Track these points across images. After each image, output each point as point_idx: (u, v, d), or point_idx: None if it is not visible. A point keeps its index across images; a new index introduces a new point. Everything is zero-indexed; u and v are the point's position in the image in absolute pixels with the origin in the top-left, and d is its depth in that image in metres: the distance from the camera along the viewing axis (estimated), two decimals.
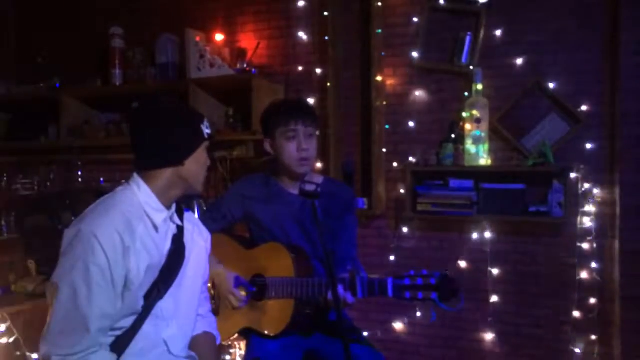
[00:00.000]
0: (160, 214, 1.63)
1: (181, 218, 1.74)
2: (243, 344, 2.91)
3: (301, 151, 2.09)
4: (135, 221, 1.56)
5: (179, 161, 1.62)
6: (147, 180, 1.62)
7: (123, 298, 1.53)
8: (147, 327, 1.59)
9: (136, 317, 1.57)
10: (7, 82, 3.98)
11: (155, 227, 1.61)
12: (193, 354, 1.76)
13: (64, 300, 1.46)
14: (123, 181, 1.67)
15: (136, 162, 1.64)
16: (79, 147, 3.60)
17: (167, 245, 1.65)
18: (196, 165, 1.65)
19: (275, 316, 2.04)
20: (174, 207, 1.70)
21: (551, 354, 2.89)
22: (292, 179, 2.18)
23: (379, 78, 3.14)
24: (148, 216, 1.60)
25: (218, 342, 1.91)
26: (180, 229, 1.72)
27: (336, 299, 1.65)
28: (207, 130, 1.67)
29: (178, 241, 1.69)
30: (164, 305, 1.63)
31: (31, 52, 4.02)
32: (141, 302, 1.57)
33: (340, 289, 1.79)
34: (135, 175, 1.64)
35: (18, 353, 2.74)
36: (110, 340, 1.55)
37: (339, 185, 2.36)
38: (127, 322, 1.56)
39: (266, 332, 2.05)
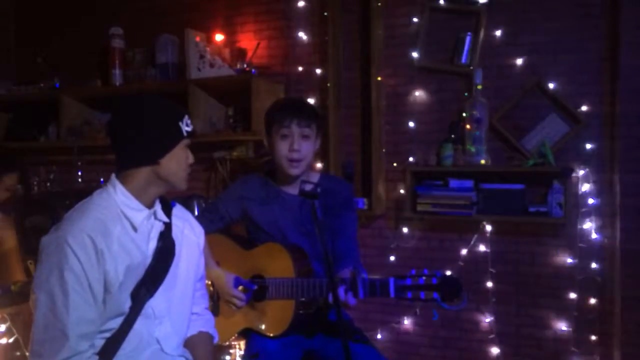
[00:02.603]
0: (140, 214, 1.61)
1: (169, 214, 1.72)
2: (242, 344, 2.91)
3: (292, 151, 2.07)
4: (111, 223, 1.54)
5: (154, 160, 1.59)
6: (124, 181, 1.61)
7: (104, 301, 1.51)
8: (139, 326, 1.58)
9: (125, 318, 1.55)
10: (7, 82, 3.98)
11: (134, 228, 1.59)
12: (187, 353, 1.75)
13: (42, 310, 1.45)
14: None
15: (115, 162, 1.64)
16: (79, 147, 3.60)
17: (152, 244, 1.63)
18: (174, 163, 1.62)
19: (275, 317, 2.03)
20: (156, 204, 1.68)
21: (551, 354, 2.90)
22: (288, 179, 2.17)
23: (379, 78, 3.14)
24: (125, 217, 1.58)
25: (216, 341, 1.89)
26: (168, 225, 1.69)
27: (336, 300, 1.65)
28: (186, 128, 1.64)
29: (166, 238, 1.67)
30: (155, 303, 1.61)
31: (31, 52, 4.02)
32: (128, 303, 1.55)
33: (341, 290, 1.78)
34: (112, 176, 1.63)
35: (18, 353, 2.73)
36: (100, 343, 1.53)
37: (336, 181, 2.34)
38: (115, 323, 1.55)
39: (266, 333, 2.04)
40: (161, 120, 1.61)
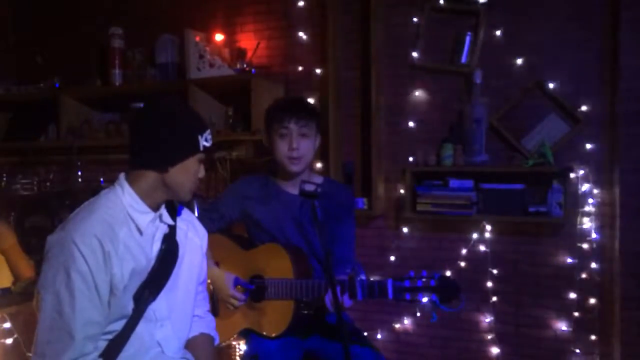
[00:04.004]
0: (146, 216, 1.60)
1: (174, 216, 1.71)
2: (242, 344, 2.91)
3: (291, 150, 2.09)
4: (118, 225, 1.53)
5: (163, 167, 1.58)
6: (131, 181, 1.60)
7: (109, 303, 1.51)
8: (140, 329, 1.57)
9: (127, 320, 1.55)
10: (6, 82, 3.98)
11: (140, 230, 1.58)
12: (189, 354, 1.75)
13: (48, 310, 1.45)
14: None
15: (128, 160, 1.63)
16: (79, 147, 3.60)
17: (156, 246, 1.63)
18: (183, 175, 1.60)
19: (275, 317, 2.03)
20: (162, 207, 1.67)
21: (551, 354, 2.89)
22: (289, 179, 2.17)
23: (378, 78, 3.13)
24: (132, 219, 1.57)
25: (217, 343, 1.89)
26: (172, 228, 1.69)
27: (335, 301, 1.65)
28: (204, 143, 1.61)
29: (170, 240, 1.66)
30: (157, 306, 1.61)
31: (31, 52, 4.02)
32: (130, 305, 1.55)
33: (337, 291, 1.78)
34: (121, 176, 1.62)
35: (18, 353, 2.74)
36: (103, 345, 1.53)
37: (338, 186, 2.36)
38: (118, 326, 1.55)
39: (266, 334, 2.05)
40: (182, 130, 1.59)
